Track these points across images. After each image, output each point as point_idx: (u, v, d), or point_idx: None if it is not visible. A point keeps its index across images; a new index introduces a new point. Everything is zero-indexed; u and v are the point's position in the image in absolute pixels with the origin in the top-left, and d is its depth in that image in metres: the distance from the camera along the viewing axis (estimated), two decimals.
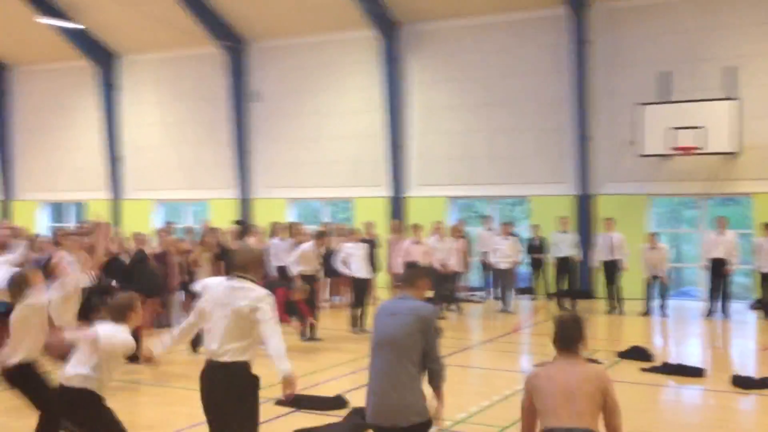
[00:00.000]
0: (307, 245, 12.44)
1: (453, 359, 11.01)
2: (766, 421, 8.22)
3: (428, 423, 4.80)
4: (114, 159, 23.84)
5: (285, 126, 21.63)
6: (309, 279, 12.21)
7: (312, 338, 12.17)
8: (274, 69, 21.82)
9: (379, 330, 4.91)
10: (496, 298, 16.51)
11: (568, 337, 4.35)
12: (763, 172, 16.39)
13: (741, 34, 16.84)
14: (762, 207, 16.28)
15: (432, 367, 4.86)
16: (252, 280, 5.20)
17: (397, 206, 20.02)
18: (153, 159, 23.44)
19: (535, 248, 16.82)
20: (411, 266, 5.12)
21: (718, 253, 14.45)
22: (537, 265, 16.98)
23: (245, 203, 22.00)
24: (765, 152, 16.35)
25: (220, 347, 5.04)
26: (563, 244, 15.92)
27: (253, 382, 5.16)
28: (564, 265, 15.90)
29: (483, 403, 8.27)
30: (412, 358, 4.76)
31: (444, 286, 14.76)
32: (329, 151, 21.01)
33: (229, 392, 5.04)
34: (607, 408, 4.22)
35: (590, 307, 15.50)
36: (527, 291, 17.58)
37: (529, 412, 4.34)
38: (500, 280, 16.24)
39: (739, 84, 16.42)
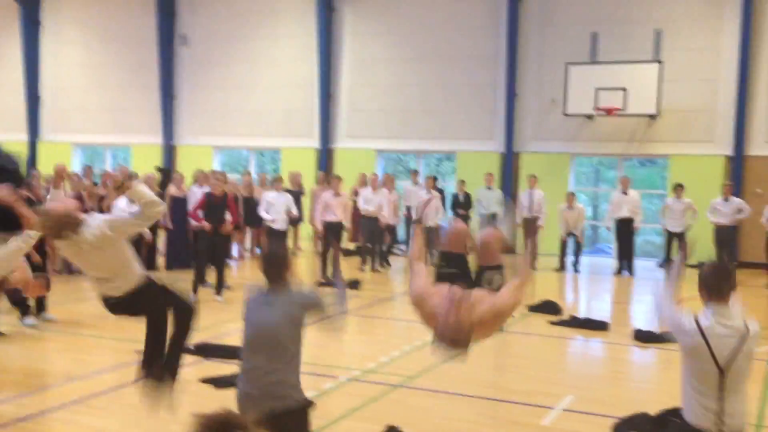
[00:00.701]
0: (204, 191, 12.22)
1: (370, 310, 11.17)
2: (664, 373, 8.58)
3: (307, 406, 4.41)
4: (33, 99, 23.04)
5: (214, 72, 21.21)
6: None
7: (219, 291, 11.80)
8: (205, 13, 21.29)
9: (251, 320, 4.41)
10: None
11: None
12: (680, 135, 16.87)
13: None
14: (677, 169, 16.79)
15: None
16: None
17: (325, 158, 19.95)
18: (74, 101, 22.75)
19: (461, 204, 17.00)
20: (270, 258, 4.24)
21: (624, 213, 14.86)
22: (462, 220, 17.16)
23: (169, 150, 21.61)
24: (683, 115, 16.81)
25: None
26: (488, 201, 16.15)
27: None
28: (488, 221, 16.13)
29: (394, 353, 8.41)
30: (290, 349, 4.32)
31: (375, 239, 14.84)
32: (259, 99, 20.73)
33: None
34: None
35: (510, 263, 15.80)
36: None
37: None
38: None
39: (663, 47, 16.77)
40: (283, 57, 20.55)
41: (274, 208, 13.24)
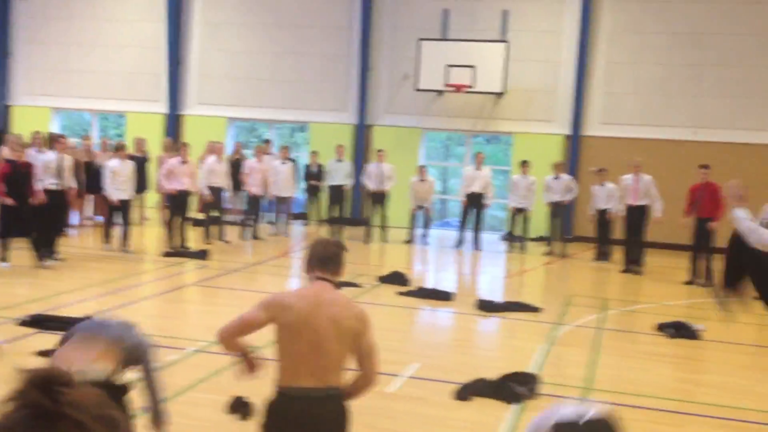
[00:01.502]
0: (47, 156, 11.59)
1: (218, 281, 10.97)
2: (505, 340, 8.99)
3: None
4: None
5: (53, 27, 19.94)
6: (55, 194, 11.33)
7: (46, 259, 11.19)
8: None
9: None
10: (269, 222, 16.56)
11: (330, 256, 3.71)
12: (524, 114, 17.58)
13: None
14: (521, 146, 17.50)
15: None
16: None
17: (173, 124, 19.29)
18: None
19: (313, 175, 16.96)
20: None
21: (475, 188, 15.33)
22: (313, 191, 17.15)
23: (3, 110, 20.18)
24: (527, 94, 17.50)
25: None
26: (337, 173, 16.20)
27: None
28: (337, 193, 16.22)
29: None
30: None
31: (217, 209, 14.51)
32: (102, 59, 19.70)
33: None
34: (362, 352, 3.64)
35: (360, 235, 15.97)
36: (302, 216, 17.77)
37: (250, 326, 3.61)
38: (276, 205, 16.26)
39: (509, 27, 17.35)
40: (129, 14, 19.59)
41: (117, 177, 12.62)
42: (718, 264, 12.71)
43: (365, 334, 3.63)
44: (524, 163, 15.49)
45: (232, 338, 3.66)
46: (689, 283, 12.46)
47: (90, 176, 14.12)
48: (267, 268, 12.47)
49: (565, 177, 15.23)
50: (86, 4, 19.74)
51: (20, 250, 10.89)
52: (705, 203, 12.32)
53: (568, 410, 1.58)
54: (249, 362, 3.75)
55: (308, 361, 3.46)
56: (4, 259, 10.66)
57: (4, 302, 8.71)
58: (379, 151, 16.19)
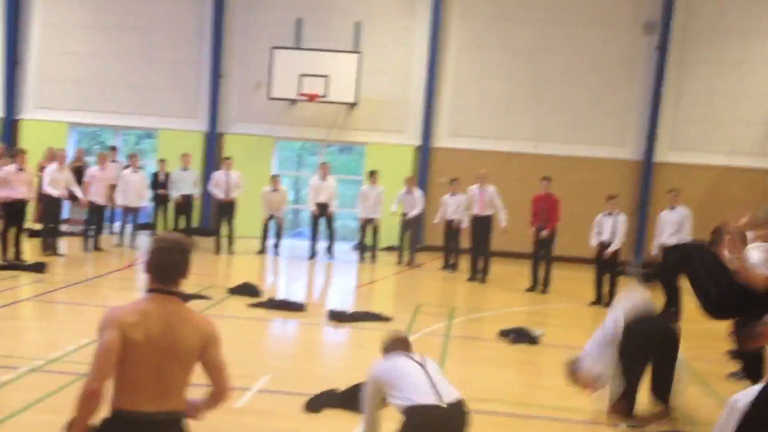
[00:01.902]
0: None
1: (55, 296, 10.44)
2: (355, 350, 9.06)
3: None
4: None
5: None
6: None
7: None
8: None
9: None
10: (113, 233, 15.93)
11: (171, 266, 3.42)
12: (375, 124, 17.88)
13: None
14: (373, 156, 17.77)
15: None
16: None
17: (8, 129, 18.19)
18: None
19: (160, 184, 16.42)
20: None
21: (322, 198, 15.37)
22: (161, 201, 16.60)
23: None
24: (378, 105, 17.81)
25: None
26: (184, 183, 15.76)
27: None
28: (184, 203, 15.80)
29: (82, 341, 7.92)
30: None
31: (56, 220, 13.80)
32: None
33: None
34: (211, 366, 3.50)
35: (209, 246, 15.63)
36: (148, 227, 17.18)
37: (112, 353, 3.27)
38: (123, 215, 15.63)
39: (362, 39, 17.61)
40: None
41: None
42: (568, 282, 13.47)
43: (213, 349, 3.47)
44: (372, 174, 15.64)
45: (102, 384, 3.22)
46: (530, 290, 13.08)
47: None
48: (110, 281, 11.97)
49: (417, 193, 15.47)
50: None
51: None
52: (545, 213, 13.00)
53: None
54: None
55: (150, 385, 3.28)
56: None
57: None
58: (226, 158, 15.89)
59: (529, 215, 13.22)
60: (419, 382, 4.57)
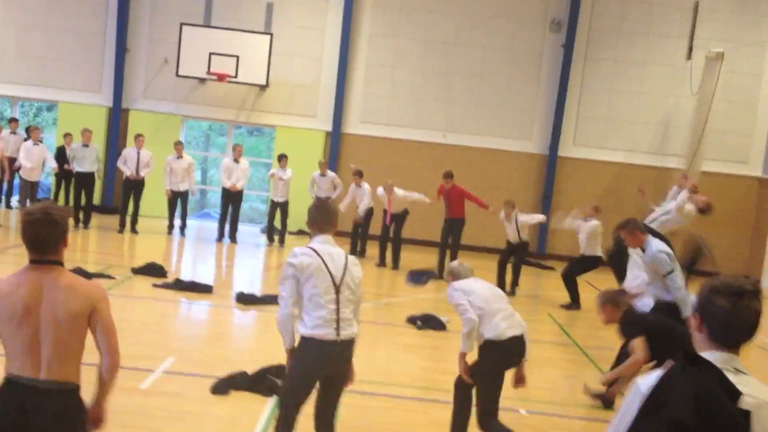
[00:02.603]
0: None
1: None
2: (262, 333, 9.01)
3: None
4: None
5: None
6: None
7: None
8: None
9: None
10: (8, 206, 15.28)
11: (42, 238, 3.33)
12: (287, 107, 17.73)
13: None
14: (283, 140, 17.62)
15: None
16: None
17: None
18: None
19: (66, 159, 15.74)
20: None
21: (233, 180, 15.15)
22: (65, 176, 15.86)
23: None
24: (290, 89, 17.67)
25: None
26: (84, 159, 15.09)
27: None
28: (85, 179, 15.18)
29: None
30: None
31: None
32: None
33: None
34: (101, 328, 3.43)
35: (112, 224, 15.20)
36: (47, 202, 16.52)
37: None
38: (21, 189, 14.95)
39: (274, 20, 17.41)
40: None
41: None
42: None
43: (102, 312, 3.40)
44: (283, 157, 15.52)
45: None
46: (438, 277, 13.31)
47: None
48: (5, 257, 11.50)
49: (331, 174, 15.53)
50: None
51: None
52: (451, 205, 13.30)
53: None
54: None
55: (31, 353, 3.27)
56: None
57: None
58: (139, 136, 15.37)
59: (438, 204, 13.43)
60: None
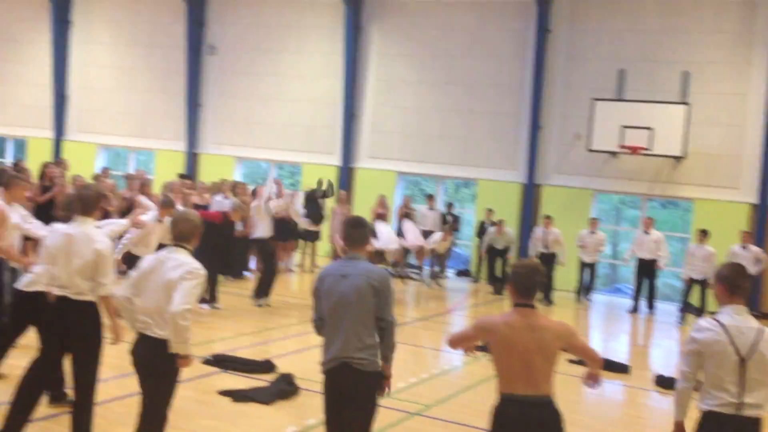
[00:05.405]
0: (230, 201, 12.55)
1: None
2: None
3: (379, 374, 4.83)
4: (60, 97, 23.13)
5: (240, 83, 21.26)
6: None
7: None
8: (234, 23, 21.38)
9: (333, 292, 4.78)
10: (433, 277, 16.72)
11: (529, 287, 4.35)
12: (705, 179, 16.73)
13: (698, 40, 17.06)
14: (702, 213, 16.63)
15: (382, 326, 4.80)
16: (188, 250, 5.00)
17: (345, 176, 19.92)
18: (101, 102, 22.81)
19: (484, 231, 16.85)
20: (355, 225, 4.98)
21: (645, 253, 14.73)
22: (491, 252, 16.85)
23: (192, 157, 21.62)
24: (709, 159, 16.68)
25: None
26: (494, 239, 16.23)
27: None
28: (497, 253, 16.14)
29: (411, 380, 8.30)
30: (365, 320, 4.74)
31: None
32: (283, 113, 20.74)
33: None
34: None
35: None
36: (466, 273, 17.71)
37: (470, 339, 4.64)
38: (434, 259, 16.44)
39: (690, 89, 16.70)
40: (309, 72, 20.57)
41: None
42: None
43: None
44: (702, 233, 14.64)
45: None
46: None
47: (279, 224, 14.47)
48: (430, 324, 12.47)
49: (754, 248, 14.30)
50: (269, 62, 20.92)
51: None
52: None
53: None
54: None
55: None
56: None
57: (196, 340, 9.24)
58: (547, 217, 15.91)
59: None
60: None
